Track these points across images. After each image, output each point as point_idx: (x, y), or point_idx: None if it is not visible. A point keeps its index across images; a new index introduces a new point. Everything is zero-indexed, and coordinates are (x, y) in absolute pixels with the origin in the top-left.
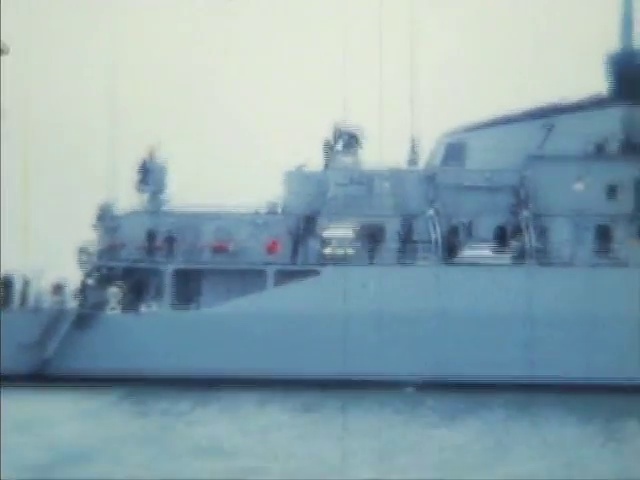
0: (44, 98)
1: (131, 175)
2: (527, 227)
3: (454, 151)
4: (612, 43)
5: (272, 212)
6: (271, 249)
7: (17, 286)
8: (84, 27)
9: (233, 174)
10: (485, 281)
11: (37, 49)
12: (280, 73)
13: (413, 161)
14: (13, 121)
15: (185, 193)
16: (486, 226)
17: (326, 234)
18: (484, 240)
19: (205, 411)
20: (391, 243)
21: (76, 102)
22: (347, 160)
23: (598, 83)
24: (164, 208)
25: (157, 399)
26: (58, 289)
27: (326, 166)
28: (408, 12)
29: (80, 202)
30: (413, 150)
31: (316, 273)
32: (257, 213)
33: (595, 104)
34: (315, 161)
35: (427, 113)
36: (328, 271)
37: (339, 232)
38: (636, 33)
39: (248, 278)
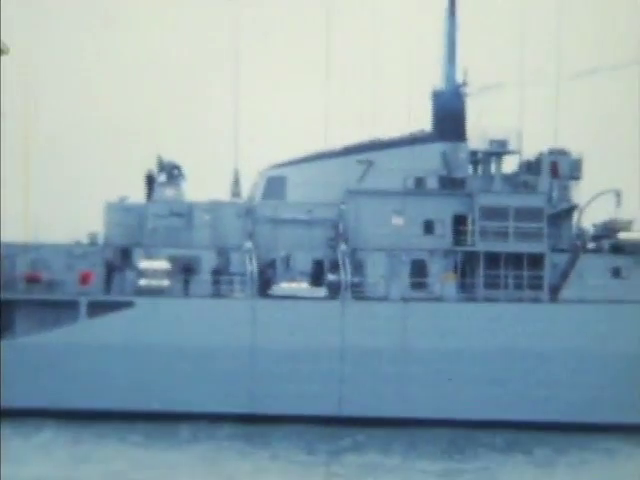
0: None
1: None
2: (343, 261)
3: (275, 185)
4: (436, 81)
5: (93, 243)
6: (84, 280)
7: None
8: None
9: (56, 206)
10: (299, 315)
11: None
12: (101, 105)
13: (236, 194)
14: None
15: (5, 224)
16: (303, 260)
17: (142, 266)
18: (301, 274)
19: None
20: (206, 276)
21: None
22: (169, 192)
23: (423, 120)
24: None
25: None
26: None
27: (148, 198)
28: (232, 46)
29: None
30: (235, 183)
31: (130, 305)
32: (77, 244)
33: (416, 140)
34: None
35: (250, 146)
36: (142, 303)
37: (155, 264)
38: (459, 71)
39: (61, 309)
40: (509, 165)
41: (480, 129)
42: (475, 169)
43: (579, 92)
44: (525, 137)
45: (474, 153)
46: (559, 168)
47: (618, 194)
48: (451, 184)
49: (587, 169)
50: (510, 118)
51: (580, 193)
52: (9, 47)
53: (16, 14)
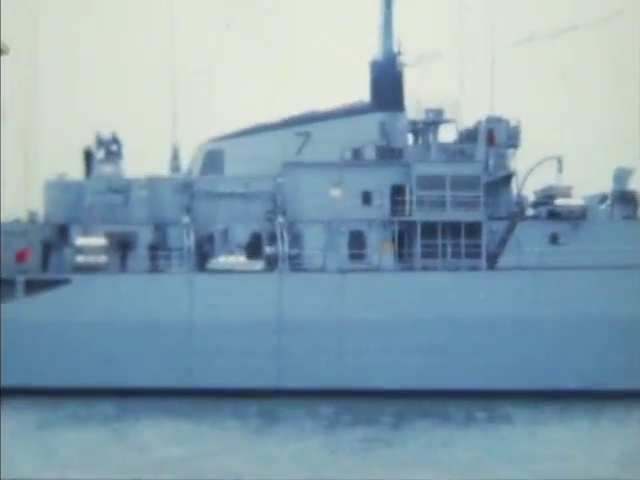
0: None
1: None
2: (281, 233)
3: (213, 159)
4: (374, 51)
5: (32, 221)
6: (20, 258)
7: None
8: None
9: None
10: (237, 288)
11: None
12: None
13: (175, 169)
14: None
15: None
16: (241, 233)
17: (78, 243)
18: (239, 247)
19: None
20: (143, 251)
21: None
22: (107, 169)
23: (362, 90)
24: None
25: None
26: None
27: (87, 175)
28: (168, 20)
29: None
30: (174, 158)
31: (67, 282)
32: (15, 222)
33: (353, 111)
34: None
35: (190, 120)
36: (79, 280)
37: (91, 240)
38: (396, 41)
39: None
40: (451, 134)
41: (419, 98)
42: (416, 139)
43: (520, 60)
44: (467, 106)
45: (415, 123)
46: (495, 136)
47: (559, 160)
48: (389, 154)
49: (533, 136)
50: (451, 87)
51: (525, 160)
52: (9, 47)
53: (16, 14)
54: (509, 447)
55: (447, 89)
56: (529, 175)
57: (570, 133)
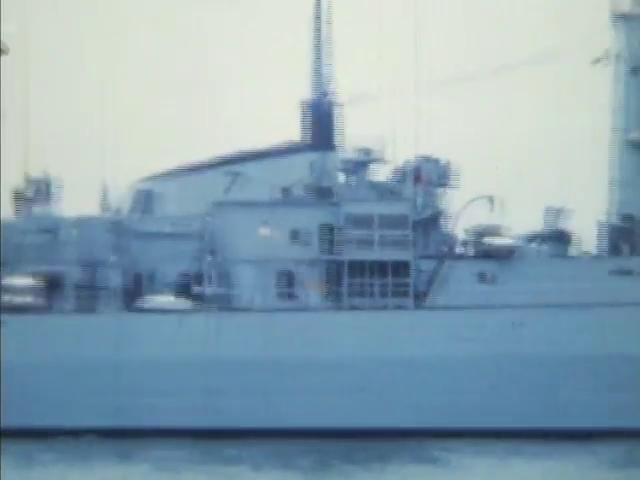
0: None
1: None
2: (209, 273)
3: (143, 199)
4: (305, 90)
5: None
6: None
7: None
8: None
9: None
10: (165, 327)
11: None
12: None
13: (105, 208)
14: None
15: None
16: (170, 272)
17: (6, 283)
18: (168, 286)
19: None
20: (71, 291)
21: None
22: (37, 208)
23: (292, 130)
24: None
25: None
26: None
27: (16, 214)
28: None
29: None
30: (104, 198)
31: None
32: None
33: (283, 151)
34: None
35: (121, 159)
36: (6, 320)
37: (18, 281)
38: (326, 80)
39: None
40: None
41: (351, 137)
42: (348, 178)
43: (452, 98)
44: (402, 144)
45: (346, 162)
46: (422, 175)
47: (491, 200)
48: (319, 193)
49: (469, 175)
50: (385, 125)
51: (462, 199)
52: (9, 47)
53: (16, 14)
54: None
55: (381, 127)
56: (461, 214)
57: (505, 171)
